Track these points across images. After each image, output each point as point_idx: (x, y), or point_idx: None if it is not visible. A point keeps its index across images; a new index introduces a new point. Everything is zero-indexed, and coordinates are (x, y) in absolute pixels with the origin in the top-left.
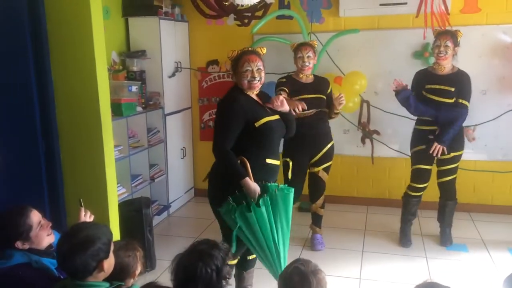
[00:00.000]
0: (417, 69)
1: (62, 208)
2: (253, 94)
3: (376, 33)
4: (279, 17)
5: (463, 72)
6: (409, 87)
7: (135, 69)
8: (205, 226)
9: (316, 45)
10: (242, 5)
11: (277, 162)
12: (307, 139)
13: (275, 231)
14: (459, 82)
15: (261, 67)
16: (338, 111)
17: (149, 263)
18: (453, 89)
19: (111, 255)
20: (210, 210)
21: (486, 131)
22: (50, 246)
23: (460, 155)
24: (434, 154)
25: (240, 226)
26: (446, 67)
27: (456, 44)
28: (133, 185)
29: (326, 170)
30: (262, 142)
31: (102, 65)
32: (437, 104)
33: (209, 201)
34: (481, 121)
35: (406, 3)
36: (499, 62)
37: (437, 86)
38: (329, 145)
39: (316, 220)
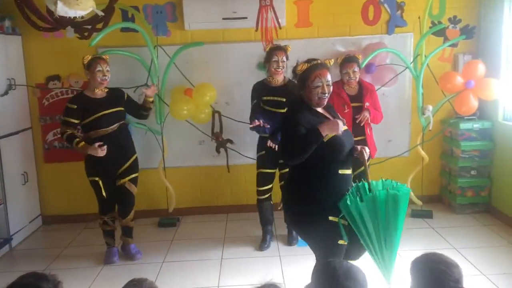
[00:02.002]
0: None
1: None
2: (321, 108)
3: (222, 46)
4: (124, 30)
5: (293, 82)
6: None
7: None
8: (56, 255)
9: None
10: (78, 17)
11: (349, 172)
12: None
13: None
14: (290, 92)
15: (330, 81)
16: None
17: None
18: (284, 100)
19: None
20: (61, 237)
21: None
22: None
23: None
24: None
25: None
26: (279, 79)
27: (287, 57)
28: None
29: (134, 181)
30: (332, 156)
31: None
32: (272, 115)
33: (298, 228)
34: None
35: (246, 18)
36: (333, 71)
37: (272, 98)
38: (133, 158)
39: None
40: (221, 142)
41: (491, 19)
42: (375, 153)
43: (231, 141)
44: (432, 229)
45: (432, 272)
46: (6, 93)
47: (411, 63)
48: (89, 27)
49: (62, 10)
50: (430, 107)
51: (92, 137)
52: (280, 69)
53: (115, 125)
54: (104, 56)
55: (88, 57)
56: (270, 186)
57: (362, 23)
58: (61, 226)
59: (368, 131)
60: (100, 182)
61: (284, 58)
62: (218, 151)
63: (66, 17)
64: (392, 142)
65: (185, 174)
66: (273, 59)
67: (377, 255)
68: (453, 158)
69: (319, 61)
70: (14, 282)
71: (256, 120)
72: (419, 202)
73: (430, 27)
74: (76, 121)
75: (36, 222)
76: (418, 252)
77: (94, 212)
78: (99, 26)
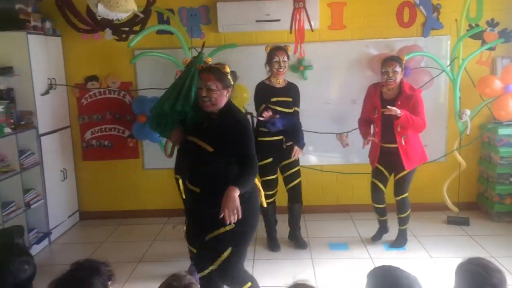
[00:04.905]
0: (295, 82)
1: None
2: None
3: (254, 48)
4: (159, 32)
5: (293, 83)
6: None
7: (1, 87)
8: (92, 250)
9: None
10: (117, 20)
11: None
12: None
13: None
14: (294, 93)
15: (211, 85)
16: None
17: None
18: (291, 99)
19: None
20: (98, 233)
21: (358, 137)
22: None
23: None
24: (296, 157)
25: None
26: (281, 80)
27: (289, 57)
28: (4, 213)
29: None
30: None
31: None
32: (283, 115)
33: None
34: (353, 128)
35: (279, 20)
36: (365, 73)
37: (280, 98)
38: None
39: None
40: None
41: None
42: (412, 165)
43: None
44: (468, 236)
45: (472, 275)
46: (47, 92)
47: (447, 66)
48: (127, 29)
49: (103, 12)
50: (468, 112)
51: None
52: (282, 69)
53: None
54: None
55: (187, 60)
56: (275, 190)
57: (397, 25)
58: (97, 222)
59: (403, 141)
60: (180, 181)
61: (285, 58)
62: None
63: (107, 19)
64: (428, 147)
65: None
66: (275, 60)
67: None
68: (491, 164)
69: (208, 65)
70: (68, 276)
71: (266, 112)
72: (456, 209)
73: (468, 30)
74: None
75: (74, 218)
76: (453, 260)
77: (129, 209)
78: (137, 28)
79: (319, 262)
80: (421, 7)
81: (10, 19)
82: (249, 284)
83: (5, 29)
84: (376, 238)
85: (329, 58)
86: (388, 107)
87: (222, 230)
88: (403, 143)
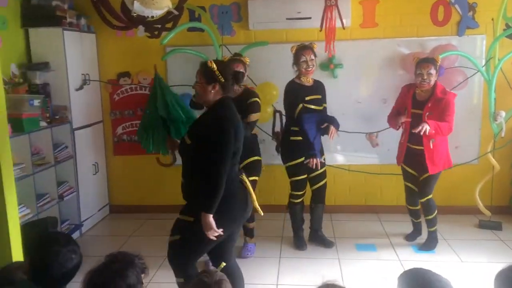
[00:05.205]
0: (325, 80)
1: None
2: None
3: (285, 46)
4: (190, 29)
5: (319, 81)
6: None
7: (38, 82)
8: (121, 243)
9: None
10: (151, 17)
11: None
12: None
13: None
14: (322, 90)
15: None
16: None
17: None
18: (320, 97)
19: None
20: (127, 226)
21: (388, 137)
22: None
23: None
24: (332, 138)
25: None
26: (310, 78)
27: (315, 55)
28: (38, 205)
29: None
30: None
31: None
32: (315, 113)
33: None
34: (383, 128)
35: (310, 18)
36: (397, 72)
37: (313, 96)
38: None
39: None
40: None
41: None
42: (440, 169)
43: None
44: (501, 241)
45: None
46: (81, 87)
47: (483, 66)
48: (159, 26)
49: (138, 9)
50: (503, 113)
51: None
52: (310, 68)
53: None
54: (243, 59)
55: (226, 58)
56: (304, 191)
57: (430, 23)
58: (127, 216)
59: (431, 144)
60: None
61: (312, 56)
62: (278, 150)
63: (141, 16)
64: (460, 149)
65: None
66: (302, 60)
67: None
68: None
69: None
70: (103, 267)
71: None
72: (488, 213)
73: (504, 30)
74: None
75: (104, 211)
76: (484, 265)
77: (158, 204)
78: (169, 25)
79: (346, 263)
80: (456, 6)
81: (48, 15)
82: (182, 280)
83: (43, 26)
84: (410, 239)
85: (360, 57)
86: (416, 130)
87: (181, 216)
88: (431, 147)
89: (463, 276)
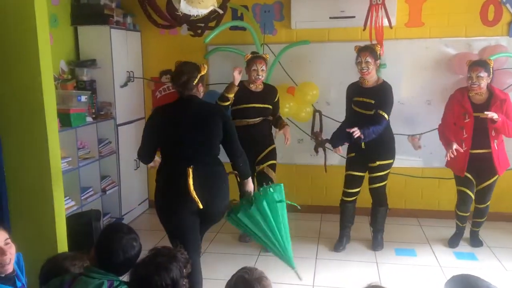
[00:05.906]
0: None
1: (6, 223)
2: None
3: (327, 45)
4: (232, 28)
5: (385, 84)
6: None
7: (85, 78)
8: (160, 237)
9: (268, 58)
10: (196, 16)
11: None
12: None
13: (275, 225)
14: (379, 95)
15: None
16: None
17: None
18: (373, 102)
19: None
20: None
21: (431, 140)
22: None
23: (389, 164)
24: (356, 134)
25: (247, 225)
26: (370, 80)
27: (376, 58)
28: (82, 197)
29: (272, 167)
30: None
31: (47, 73)
32: (360, 116)
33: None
34: (426, 130)
35: (354, 17)
36: (442, 73)
37: (361, 99)
38: (271, 147)
39: None
40: (320, 142)
41: None
42: (502, 170)
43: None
44: None
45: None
46: (125, 84)
47: None
48: (202, 25)
49: (185, 8)
50: None
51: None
52: (365, 70)
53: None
54: (264, 55)
55: (248, 56)
56: (357, 189)
57: (480, 23)
58: None
59: (495, 145)
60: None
61: (368, 59)
62: (316, 150)
63: (186, 15)
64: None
65: (281, 171)
66: (357, 61)
67: (279, 249)
68: None
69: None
70: (148, 260)
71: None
72: None
73: None
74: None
75: (144, 205)
76: None
77: None
78: (212, 24)
79: (385, 267)
80: (508, 5)
81: (96, 14)
82: None
83: (91, 24)
84: (453, 244)
85: (404, 57)
86: (486, 112)
87: None
88: (496, 148)
89: (507, 285)
